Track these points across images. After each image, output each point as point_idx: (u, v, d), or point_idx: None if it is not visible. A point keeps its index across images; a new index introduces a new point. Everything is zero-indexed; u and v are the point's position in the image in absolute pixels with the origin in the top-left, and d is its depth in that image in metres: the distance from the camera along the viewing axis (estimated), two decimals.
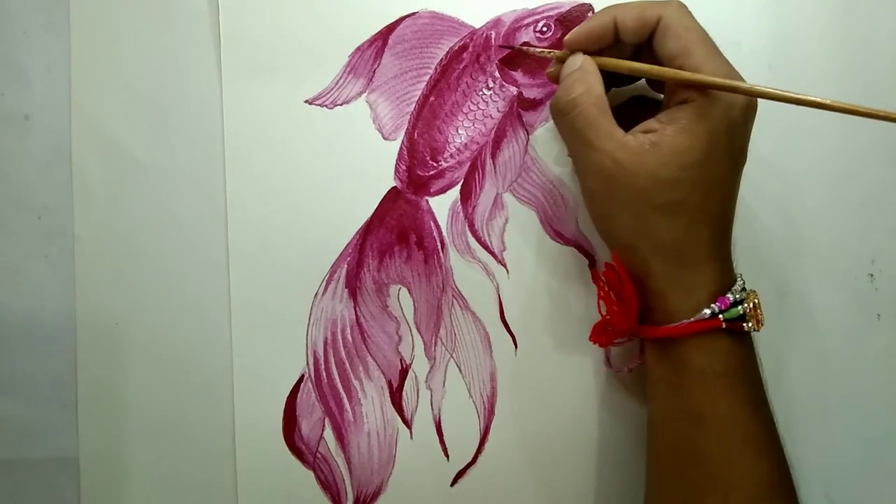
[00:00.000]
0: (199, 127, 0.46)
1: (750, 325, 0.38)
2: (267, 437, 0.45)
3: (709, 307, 0.37)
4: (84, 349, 0.45)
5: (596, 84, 0.39)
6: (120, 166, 0.46)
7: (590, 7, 0.45)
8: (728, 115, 0.37)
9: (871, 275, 0.47)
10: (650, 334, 0.39)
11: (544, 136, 0.46)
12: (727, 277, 0.39)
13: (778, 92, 0.35)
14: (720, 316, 0.37)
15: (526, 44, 0.45)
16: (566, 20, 0.45)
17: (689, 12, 0.38)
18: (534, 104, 0.46)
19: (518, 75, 0.46)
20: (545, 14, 0.45)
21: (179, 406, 0.45)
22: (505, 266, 0.46)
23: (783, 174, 0.46)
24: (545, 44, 0.45)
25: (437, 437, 0.46)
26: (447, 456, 0.46)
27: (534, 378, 0.46)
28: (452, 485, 0.46)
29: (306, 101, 0.45)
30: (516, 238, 0.46)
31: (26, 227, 0.46)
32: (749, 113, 0.38)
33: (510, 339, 0.46)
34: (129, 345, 0.46)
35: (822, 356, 0.47)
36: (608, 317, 0.40)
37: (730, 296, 0.38)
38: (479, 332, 0.46)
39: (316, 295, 0.46)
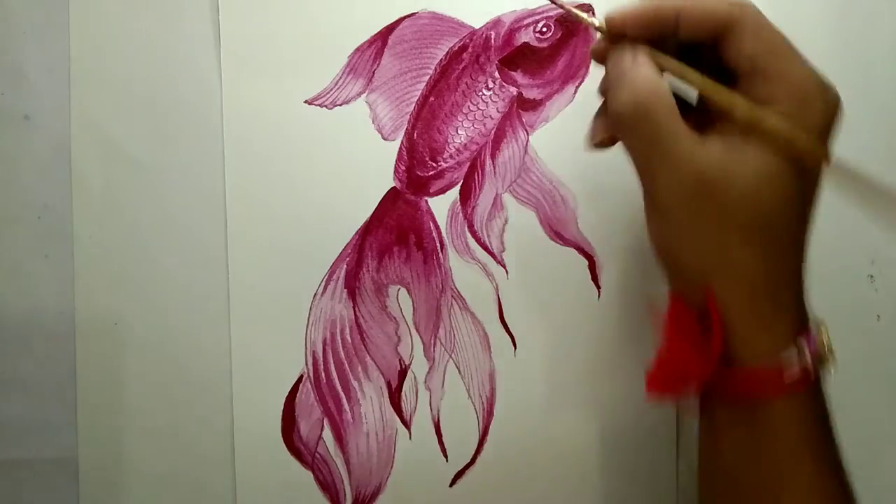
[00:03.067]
0: (198, 127, 0.46)
1: (830, 366, 0.33)
2: (266, 437, 0.45)
3: (794, 348, 0.32)
4: (84, 349, 0.45)
5: (661, 82, 0.33)
6: (120, 166, 0.46)
7: (589, 7, 0.45)
8: (825, 116, 0.32)
9: (871, 276, 0.47)
10: (734, 389, 0.33)
11: (544, 136, 0.46)
12: (805, 314, 0.34)
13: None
14: (808, 363, 0.32)
15: (529, 45, 0.45)
16: (566, 20, 0.45)
17: (764, 14, 0.33)
18: (534, 104, 0.46)
19: (518, 76, 0.46)
20: (545, 14, 0.45)
21: (179, 406, 0.45)
22: (504, 267, 0.46)
23: None
24: (545, 44, 0.45)
25: (435, 437, 0.46)
26: (446, 456, 0.46)
27: (533, 379, 0.46)
28: (451, 485, 0.46)
29: (306, 102, 0.45)
30: (516, 239, 0.46)
31: (26, 227, 0.46)
32: (839, 113, 0.33)
33: (509, 339, 0.46)
34: (128, 345, 0.46)
35: None
36: (675, 365, 0.33)
37: (814, 334, 0.33)
38: (479, 333, 0.46)
39: (315, 295, 0.46)
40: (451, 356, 0.46)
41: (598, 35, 0.35)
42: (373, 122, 0.46)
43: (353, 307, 0.46)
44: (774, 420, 0.32)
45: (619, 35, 0.34)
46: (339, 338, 0.46)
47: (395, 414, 0.46)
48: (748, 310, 0.32)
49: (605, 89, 0.36)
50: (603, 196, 0.46)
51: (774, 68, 0.32)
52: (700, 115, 0.34)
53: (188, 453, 0.46)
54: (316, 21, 0.45)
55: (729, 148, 0.32)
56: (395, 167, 0.46)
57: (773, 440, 0.32)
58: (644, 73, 0.33)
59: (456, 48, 0.46)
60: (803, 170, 0.32)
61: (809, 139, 0.31)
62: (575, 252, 0.46)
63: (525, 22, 0.45)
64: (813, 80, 0.32)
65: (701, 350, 0.32)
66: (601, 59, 0.35)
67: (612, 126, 0.35)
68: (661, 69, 0.33)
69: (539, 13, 0.45)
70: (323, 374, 0.46)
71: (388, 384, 0.46)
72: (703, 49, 0.33)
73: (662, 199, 0.33)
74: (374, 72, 0.45)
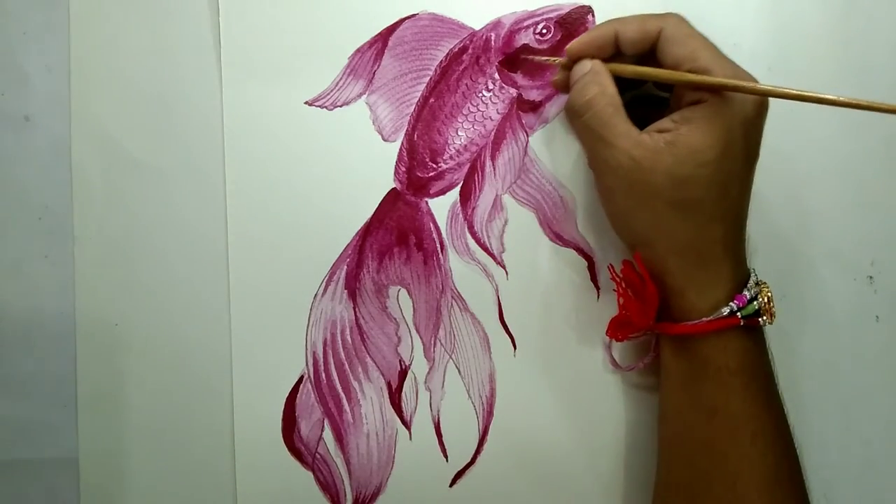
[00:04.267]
0: (199, 127, 0.46)
1: (764, 319, 0.39)
2: (266, 437, 0.45)
3: (727, 305, 0.38)
4: (84, 349, 0.45)
5: (609, 84, 0.40)
6: (120, 166, 0.46)
7: (589, 9, 0.45)
8: (742, 112, 0.38)
9: (871, 277, 0.47)
10: (669, 331, 0.40)
11: (544, 137, 0.46)
12: (742, 274, 0.40)
13: (787, 91, 0.36)
14: (738, 314, 0.38)
15: (529, 50, 0.45)
16: (566, 22, 0.45)
17: (689, 22, 0.39)
18: (533, 106, 0.46)
19: (518, 77, 0.46)
20: (545, 16, 0.45)
21: (179, 406, 0.46)
22: (504, 267, 0.46)
23: (782, 177, 0.46)
24: (545, 45, 0.45)
25: (436, 437, 0.46)
26: (446, 457, 0.46)
27: (532, 379, 0.46)
28: (451, 485, 0.46)
29: (306, 103, 0.45)
30: (515, 239, 0.46)
31: (26, 227, 0.46)
32: (762, 110, 0.38)
33: (509, 340, 0.46)
34: (128, 345, 0.46)
35: (821, 358, 0.47)
36: (626, 313, 0.41)
37: (746, 293, 0.39)
38: (479, 334, 0.46)
39: (315, 296, 0.46)
40: (451, 357, 0.46)
41: (560, 67, 0.43)
42: (373, 123, 0.46)
43: (354, 308, 0.46)
44: (707, 350, 0.39)
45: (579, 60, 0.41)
46: (339, 338, 0.46)
47: (395, 414, 0.46)
48: (682, 272, 0.39)
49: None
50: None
51: (696, 69, 0.38)
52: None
53: (188, 453, 0.46)
54: (316, 22, 0.45)
55: (659, 137, 0.38)
56: (396, 168, 0.46)
57: (706, 368, 0.39)
58: (593, 76, 0.40)
59: (456, 49, 0.46)
60: (728, 151, 0.37)
61: (748, 79, 0.38)
62: (575, 252, 0.46)
63: (525, 23, 0.45)
64: (734, 71, 0.38)
65: (641, 302, 0.40)
66: (564, 88, 0.43)
67: (567, 119, 0.42)
68: (613, 73, 0.40)
69: (539, 15, 0.45)
70: (323, 375, 0.46)
71: (389, 385, 0.46)
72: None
73: (605, 180, 0.40)
74: (374, 73, 0.45)
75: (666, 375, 0.42)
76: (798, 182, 0.47)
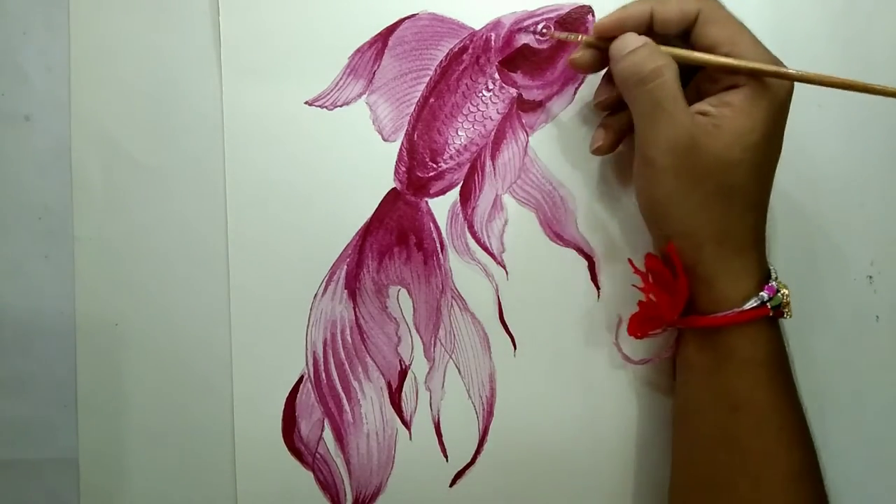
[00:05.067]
0: (199, 127, 0.46)
1: (786, 311, 0.39)
2: (266, 437, 0.45)
3: (757, 296, 0.38)
4: (84, 349, 0.45)
5: (670, 57, 0.39)
6: (120, 166, 0.46)
7: (589, 9, 0.45)
8: (778, 97, 0.38)
9: (870, 277, 0.47)
10: (698, 323, 0.39)
11: (544, 137, 0.46)
12: (765, 266, 0.40)
13: (828, 77, 0.37)
14: (767, 304, 0.38)
15: (530, 50, 0.45)
16: (566, 22, 0.45)
17: (726, 7, 0.39)
18: (533, 106, 0.46)
19: (518, 77, 0.46)
20: (545, 16, 0.45)
21: (179, 406, 0.46)
22: (504, 267, 0.46)
23: (781, 177, 0.46)
24: (545, 45, 0.45)
25: (436, 438, 0.46)
26: (446, 457, 0.46)
27: (533, 379, 0.46)
28: (451, 485, 0.46)
29: (306, 103, 0.45)
30: (516, 239, 0.46)
31: (26, 227, 0.46)
32: (791, 94, 0.39)
33: (509, 340, 0.46)
34: (129, 345, 0.46)
35: (821, 358, 0.47)
36: (652, 308, 0.40)
37: (773, 283, 0.39)
38: (479, 334, 0.46)
39: (315, 296, 0.46)
40: (451, 357, 0.46)
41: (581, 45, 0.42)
42: (373, 123, 0.46)
43: (354, 308, 0.46)
44: (734, 342, 0.38)
45: (608, 41, 0.40)
46: (339, 338, 0.46)
47: (395, 414, 0.46)
48: (716, 261, 0.38)
49: (609, 64, 0.41)
50: (603, 196, 0.46)
51: (735, 53, 0.38)
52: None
53: (188, 453, 0.46)
54: (316, 22, 0.45)
55: (706, 120, 0.38)
56: (396, 168, 0.46)
57: (732, 360, 0.38)
58: (653, 47, 0.39)
59: (456, 49, 0.46)
60: (769, 135, 0.38)
61: (779, 64, 0.38)
62: (575, 252, 0.46)
63: (525, 23, 0.45)
64: (770, 58, 0.38)
65: (671, 295, 0.39)
66: (585, 66, 0.42)
67: (624, 87, 0.40)
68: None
69: (539, 14, 0.45)
70: (323, 375, 0.46)
71: (389, 384, 0.46)
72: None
73: (654, 153, 0.38)
74: (374, 73, 0.45)
75: (687, 370, 0.41)
76: (798, 182, 0.47)
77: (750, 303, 0.38)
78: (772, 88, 0.37)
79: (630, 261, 0.43)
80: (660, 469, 0.44)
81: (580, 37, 0.42)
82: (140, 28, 0.46)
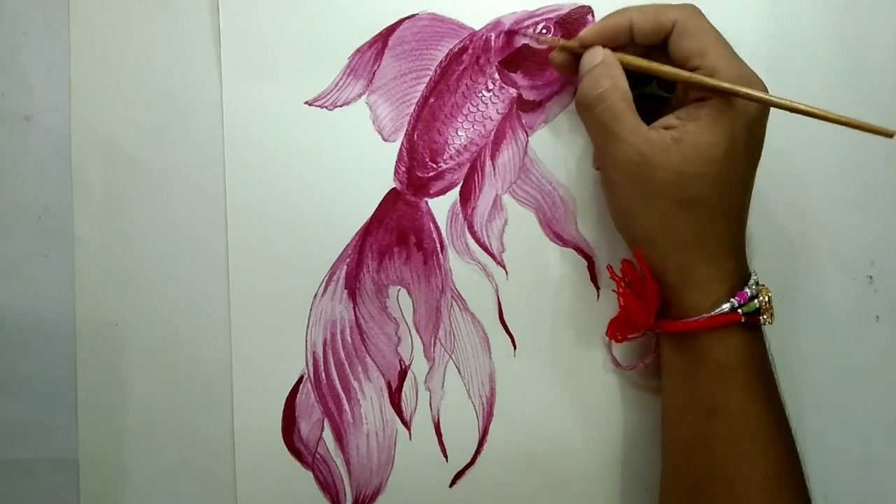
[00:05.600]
0: (199, 127, 0.46)
1: (765, 318, 0.39)
2: (266, 437, 0.45)
3: (728, 301, 0.38)
4: (84, 349, 0.45)
5: (621, 78, 0.39)
6: (120, 166, 0.46)
7: (589, 9, 0.45)
8: (746, 111, 0.38)
9: (871, 277, 0.47)
10: (670, 328, 0.40)
11: (544, 137, 0.46)
12: (742, 272, 0.40)
13: (788, 103, 0.37)
14: (739, 310, 0.38)
15: (527, 49, 0.45)
16: (566, 22, 0.45)
17: (704, 16, 0.39)
18: (533, 106, 0.46)
19: (517, 77, 0.46)
20: (545, 16, 0.45)
21: (179, 407, 0.46)
22: (504, 267, 0.46)
23: (782, 177, 0.46)
24: (544, 46, 0.45)
25: (435, 438, 0.46)
26: (446, 457, 0.46)
27: (532, 379, 0.46)
28: (451, 486, 0.46)
29: (306, 103, 0.45)
30: (515, 239, 0.46)
31: (26, 227, 0.46)
32: (765, 109, 0.39)
33: (509, 340, 0.46)
34: (129, 345, 0.46)
35: (821, 358, 0.47)
36: (626, 313, 0.41)
37: (747, 290, 0.39)
38: (479, 334, 0.46)
39: (315, 296, 0.46)
40: (451, 357, 0.46)
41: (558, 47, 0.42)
42: (373, 123, 0.46)
43: (354, 308, 0.46)
44: (707, 347, 0.39)
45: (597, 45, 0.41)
46: (339, 338, 0.46)
47: (395, 414, 0.46)
48: (683, 269, 0.39)
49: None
50: (602, 197, 0.46)
51: (704, 66, 0.38)
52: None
53: (188, 453, 0.46)
54: (316, 22, 0.45)
55: (666, 134, 0.38)
56: (396, 168, 0.46)
57: (706, 365, 0.39)
58: (605, 67, 0.39)
59: (456, 49, 0.46)
60: (733, 150, 0.38)
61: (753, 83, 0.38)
62: (575, 252, 0.46)
63: (525, 24, 0.45)
64: (741, 73, 0.38)
65: (642, 301, 0.40)
66: (563, 67, 0.43)
67: (578, 112, 0.41)
68: (628, 66, 0.40)
69: (539, 15, 0.45)
70: (323, 375, 0.46)
71: (389, 384, 0.46)
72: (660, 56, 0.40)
73: (612, 174, 0.40)
74: (374, 73, 0.45)
75: (667, 375, 0.42)
76: (798, 182, 0.47)
77: (720, 308, 0.38)
78: (739, 104, 0.37)
79: (609, 267, 0.43)
80: (658, 469, 0.44)
81: (560, 41, 0.43)
82: (140, 28, 0.46)
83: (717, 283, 0.39)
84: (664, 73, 0.39)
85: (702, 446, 0.39)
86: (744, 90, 0.37)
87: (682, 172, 0.37)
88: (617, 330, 0.42)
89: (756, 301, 0.39)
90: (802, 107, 0.37)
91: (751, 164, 0.39)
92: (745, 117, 0.38)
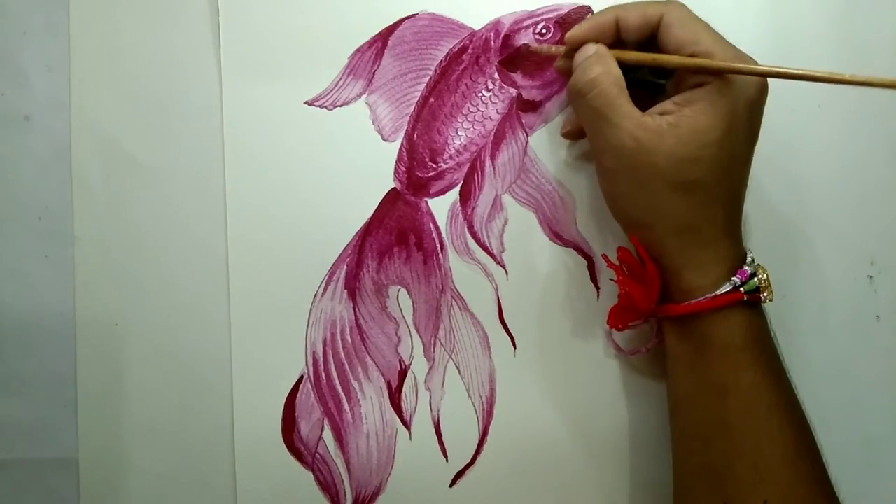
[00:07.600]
0: (199, 127, 0.46)
1: (765, 295, 0.39)
2: (266, 437, 0.45)
3: (729, 281, 0.38)
4: (84, 349, 0.45)
5: (613, 65, 0.39)
6: (120, 166, 0.46)
7: (589, 9, 0.45)
8: (744, 94, 0.38)
9: (871, 276, 0.47)
10: (673, 312, 0.40)
11: (544, 137, 0.46)
12: (740, 252, 0.40)
13: (789, 70, 0.37)
14: (741, 289, 0.38)
15: (526, 45, 0.45)
16: (565, 22, 0.45)
17: (689, 9, 0.40)
18: (533, 106, 0.46)
19: (517, 77, 0.46)
20: (544, 16, 0.45)
21: (179, 406, 0.46)
22: (504, 267, 0.46)
23: (783, 178, 0.46)
24: (544, 54, 0.45)
25: (435, 438, 0.46)
26: (446, 457, 0.46)
27: (532, 379, 0.46)
28: (451, 486, 0.46)
29: (306, 103, 0.46)
30: (515, 239, 0.46)
31: (26, 227, 0.46)
32: (763, 92, 0.39)
33: (509, 340, 0.46)
34: (128, 345, 0.46)
35: (821, 357, 0.47)
36: (627, 299, 0.41)
37: (747, 268, 0.39)
38: (478, 333, 0.46)
39: (315, 296, 0.46)
40: (451, 356, 0.46)
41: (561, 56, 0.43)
42: (373, 123, 0.46)
43: (354, 308, 0.46)
44: (711, 329, 0.39)
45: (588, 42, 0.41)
46: (339, 338, 0.46)
47: (395, 414, 0.46)
48: (681, 252, 0.39)
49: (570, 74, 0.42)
50: (602, 197, 0.46)
51: (699, 53, 0.38)
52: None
53: (188, 453, 0.46)
54: (316, 22, 0.45)
55: (661, 119, 0.38)
56: (396, 168, 0.46)
57: (712, 347, 0.39)
58: (598, 57, 0.40)
59: (456, 49, 0.46)
60: (730, 133, 0.38)
61: (748, 62, 0.38)
62: (575, 252, 0.46)
63: (525, 24, 0.45)
64: (736, 54, 0.38)
65: (643, 286, 0.40)
66: (567, 72, 0.42)
67: (570, 100, 0.41)
68: (625, 61, 0.40)
69: (538, 15, 0.45)
70: (323, 375, 0.46)
71: (388, 384, 0.46)
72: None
73: (607, 160, 0.40)
74: (374, 73, 0.45)
75: (673, 362, 0.41)
76: (798, 182, 0.47)
77: (722, 288, 0.38)
78: (736, 86, 0.38)
79: (605, 256, 0.43)
80: (660, 469, 0.44)
81: (557, 48, 0.43)
82: (140, 28, 0.46)
83: (715, 264, 0.39)
84: (664, 62, 0.39)
85: (719, 428, 0.39)
86: (747, 66, 0.37)
87: (677, 156, 0.38)
88: (617, 318, 0.42)
89: (756, 279, 0.39)
90: (809, 73, 0.37)
91: (749, 148, 0.40)
92: (744, 100, 0.38)
